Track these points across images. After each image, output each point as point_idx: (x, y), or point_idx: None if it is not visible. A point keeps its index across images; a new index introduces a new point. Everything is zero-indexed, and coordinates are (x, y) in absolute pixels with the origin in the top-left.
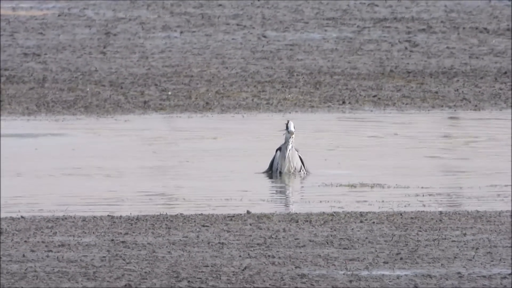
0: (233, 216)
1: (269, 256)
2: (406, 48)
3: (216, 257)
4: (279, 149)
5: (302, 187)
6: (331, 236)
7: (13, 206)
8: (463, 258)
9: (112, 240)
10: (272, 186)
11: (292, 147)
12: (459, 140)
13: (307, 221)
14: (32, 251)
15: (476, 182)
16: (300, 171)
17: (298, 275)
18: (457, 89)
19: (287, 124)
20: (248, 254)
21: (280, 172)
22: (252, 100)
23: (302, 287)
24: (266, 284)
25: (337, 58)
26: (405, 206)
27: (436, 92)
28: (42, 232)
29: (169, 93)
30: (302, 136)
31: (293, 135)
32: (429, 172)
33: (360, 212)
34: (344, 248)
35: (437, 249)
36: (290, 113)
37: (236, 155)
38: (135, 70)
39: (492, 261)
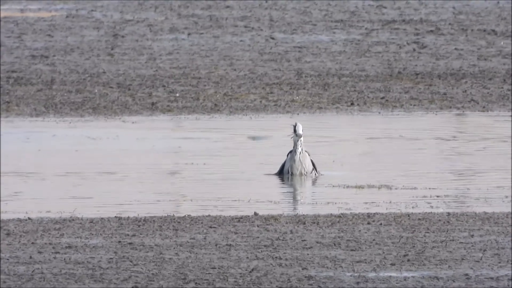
0: (241, 218)
1: (276, 257)
2: (414, 49)
3: (224, 258)
4: (290, 152)
5: (309, 188)
6: (338, 237)
7: (20, 207)
8: (471, 259)
9: (120, 241)
10: (280, 188)
11: (302, 149)
12: (467, 141)
13: (314, 222)
14: (39, 252)
15: (484, 183)
16: (311, 173)
17: (305, 276)
18: (465, 91)
19: (294, 127)
20: (256, 256)
21: (292, 174)
22: (260, 102)
23: None
24: (273, 286)
25: (345, 60)
26: (412, 207)
27: (444, 94)
28: (49, 233)
29: (177, 94)
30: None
31: (302, 138)
32: (436, 173)
33: (368, 214)
34: (352, 250)
35: (445, 251)
36: (298, 114)
37: (243, 156)
38: (143, 71)
39: (499, 262)
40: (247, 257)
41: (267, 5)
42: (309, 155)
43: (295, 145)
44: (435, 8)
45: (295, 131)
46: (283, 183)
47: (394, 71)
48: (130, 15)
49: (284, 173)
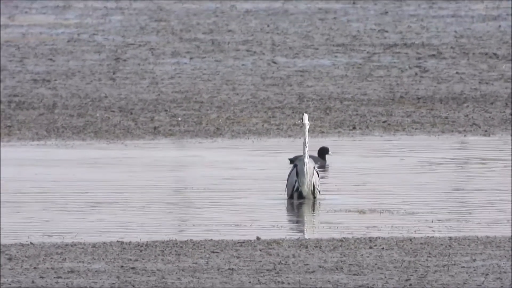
0: (243, 242)
1: (279, 282)
2: (416, 73)
3: (226, 283)
4: (295, 164)
5: (312, 212)
6: (341, 262)
7: (22, 232)
8: (473, 284)
9: (122, 266)
10: (282, 212)
11: (308, 161)
12: (469, 165)
13: (316, 246)
14: (41, 277)
15: (486, 207)
16: (317, 187)
17: None
18: (467, 115)
19: (302, 117)
20: (258, 280)
21: (298, 189)
22: (262, 125)
23: None
24: None
25: (347, 84)
26: (414, 231)
27: (446, 118)
28: (51, 258)
29: (179, 118)
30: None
31: (308, 126)
32: (438, 198)
33: (370, 238)
34: (354, 274)
35: (447, 275)
36: (300, 138)
37: (246, 181)
38: (144, 96)
39: (501, 287)
40: (250, 282)
41: (269, 29)
42: (314, 167)
43: (303, 153)
44: (437, 32)
45: (302, 120)
46: (285, 208)
47: (396, 95)
48: (132, 39)
49: (289, 188)
